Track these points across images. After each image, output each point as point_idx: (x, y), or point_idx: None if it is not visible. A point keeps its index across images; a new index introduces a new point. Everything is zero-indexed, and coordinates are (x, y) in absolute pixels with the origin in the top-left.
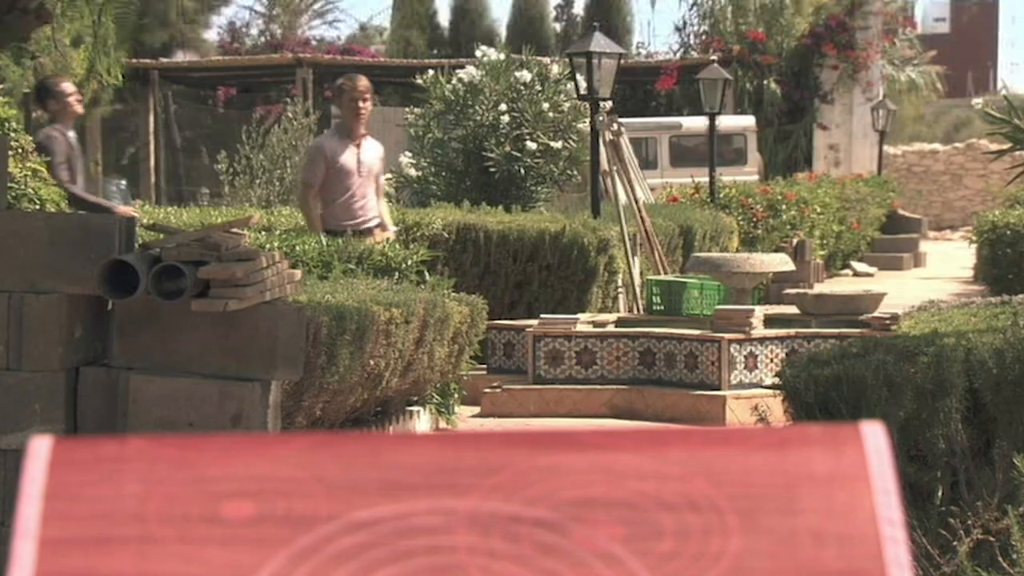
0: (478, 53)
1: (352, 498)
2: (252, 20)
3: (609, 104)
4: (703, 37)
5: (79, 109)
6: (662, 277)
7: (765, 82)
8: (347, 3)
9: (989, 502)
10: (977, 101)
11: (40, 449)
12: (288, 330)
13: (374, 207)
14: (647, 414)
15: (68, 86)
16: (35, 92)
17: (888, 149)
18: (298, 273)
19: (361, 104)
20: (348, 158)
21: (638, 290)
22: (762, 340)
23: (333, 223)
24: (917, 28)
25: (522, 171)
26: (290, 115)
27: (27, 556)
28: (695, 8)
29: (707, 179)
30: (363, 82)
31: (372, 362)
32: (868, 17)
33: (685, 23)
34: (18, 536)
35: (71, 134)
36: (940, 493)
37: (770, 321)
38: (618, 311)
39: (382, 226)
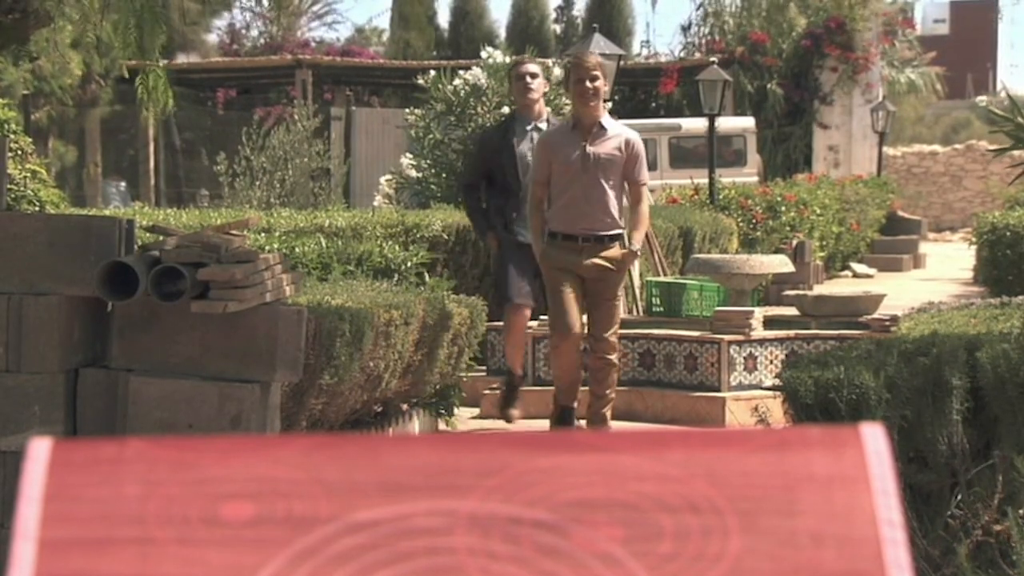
0: (483, 54)
1: (352, 499)
2: (252, 22)
3: (608, 106)
4: (708, 39)
5: None
6: (661, 278)
7: (768, 86)
8: (346, 5)
9: (989, 504)
10: (981, 99)
11: (39, 451)
12: (288, 332)
13: (609, 213)
14: (646, 415)
15: None
16: None
17: (888, 150)
18: (298, 275)
19: (589, 85)
20: (570, 151)
21: (637, 291)
22: (762, 341)
23: (553, 226)
24: (916, 29)
25: None
26: (295, 117)
27: (27, 558)
28: (701, 9)
29: (707, 180)
30: (591, 59)
31: (371, 363)
32: (868, 19)
33: (691, 23)
34: (18, 538)
35: None
36: (940, 495)
37: (769, 323)
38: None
39: (623, 253)
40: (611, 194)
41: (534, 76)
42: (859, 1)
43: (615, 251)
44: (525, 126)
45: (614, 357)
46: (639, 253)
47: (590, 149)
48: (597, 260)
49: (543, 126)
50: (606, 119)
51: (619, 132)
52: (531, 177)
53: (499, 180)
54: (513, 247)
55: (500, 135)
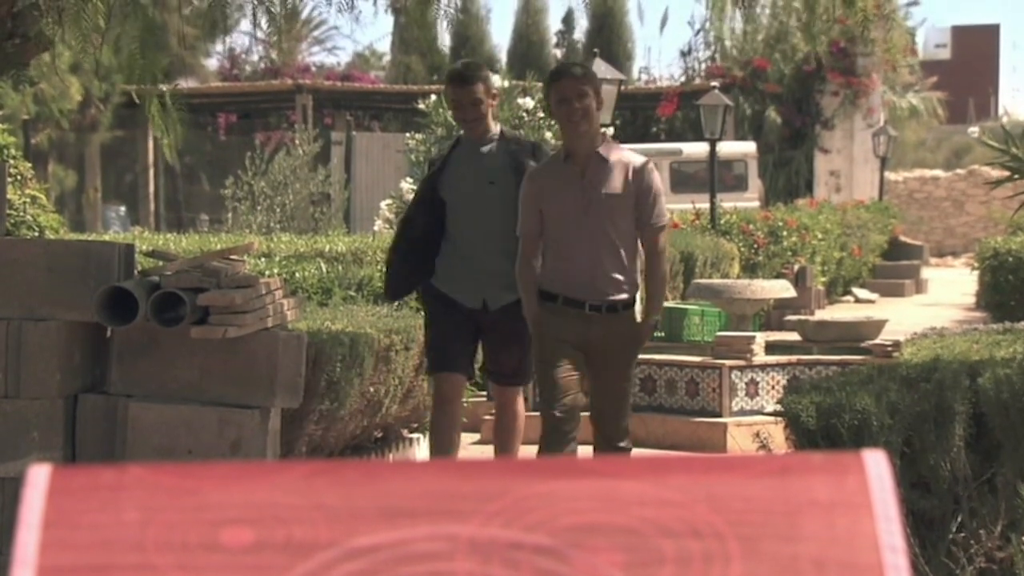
0: None
1: (352, 525)
2: (252, 47)
3: (611, 131)
4: (708, 63)
5: None
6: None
7: (767, 111)
8: (346, 29)
9: (992, 530)
10: (973, 129)
11: (39, 477)
12: (287, 357)
13: (621, 270)
14: (648, 441)
15: None
16: None
17: (889, 175)
18: (298, 300)
19: (576, 105)
20: (563, 188)
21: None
22: (763, 367)
23: (544, 285)
24: (918, 54)
25: None
26: (296, 142)
27: None
28: (701, 34)
29: (708, 205)
30: (575, 71)
31: (372, 389)
32: (869, 44)
33: (691, 48)
34: (16, 565)
35: None
36: (943, 521)
37: (771, 348)
38: None
39: (642, 326)
40: (622, 244)
41: (473, 80)
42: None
43: (631, 321)
44: (469, 150)
45: (627, 443)
46: (659, 324)
47: (588, 186)
48: (608, 333)
49: (487, 149)
50: (605, 146)
51: (624, 160)
52: (519, 229)
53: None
54: (440, 300)
55: (440, 160)
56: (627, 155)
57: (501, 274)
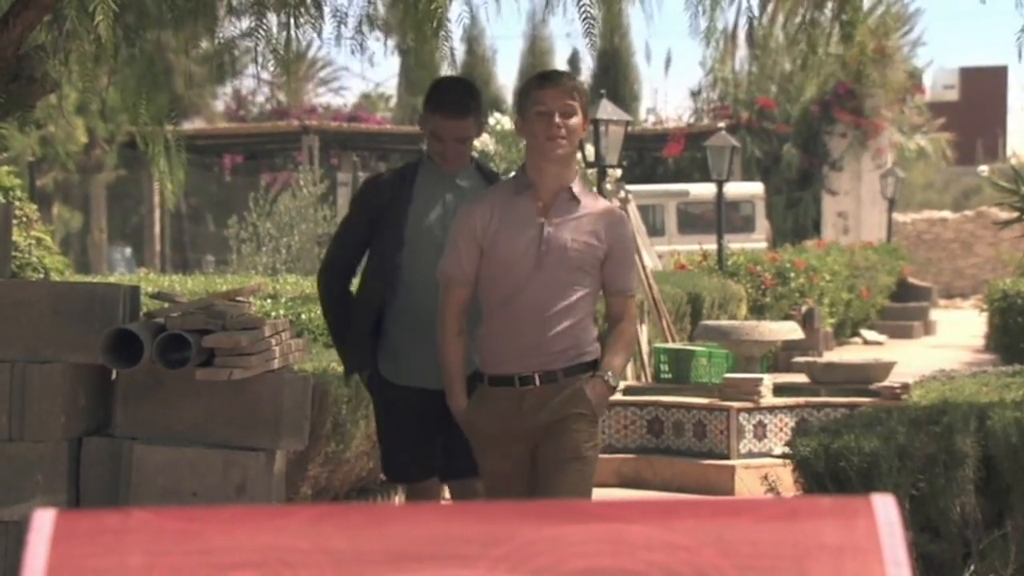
0: (491, 120)
1: (358, 569)
2: (258, 88)
3: (619, 172)
4: (716, 104)
5: None
6: (670, 345)
7: (785, 147)
8: (357, 68)
9: (1003, 574)
10: (983, 168)
11: (43, 522)
12: (293, 399)
13: (577, 336)
14: (655, 483)
15: None
16: None
17: (897, 216)
18: (304, 341)
19: (559, 120)
20: (516, 227)
21: (646, 358)
22: (771, 409)
23: (481, 363)
24: (926, 94)
25: None
26: (301, 183)
27: None
28: (711, 74)
29: (715, 246)
30: (566, 81)
31: None
32: (867, 81)
33: (700, 89)
34: None
35: None
36: (953, 565)
37: (779, 390)
38: (626, 379)
39: (593, 383)
40: (582, 307)
41: (467, 112)
42: (874, 56)
43: (583, 387)
44: (438, 180)
45: None
46: (616, 388)
47: (551, 230)
48: (548, 410)
49: (466, 183)
50: (580, 184)
51: (599, 207)
52: (444, 271)
53: (375, 265)
54: (387, 392)
55: (392, 187)
56: (603, 202)
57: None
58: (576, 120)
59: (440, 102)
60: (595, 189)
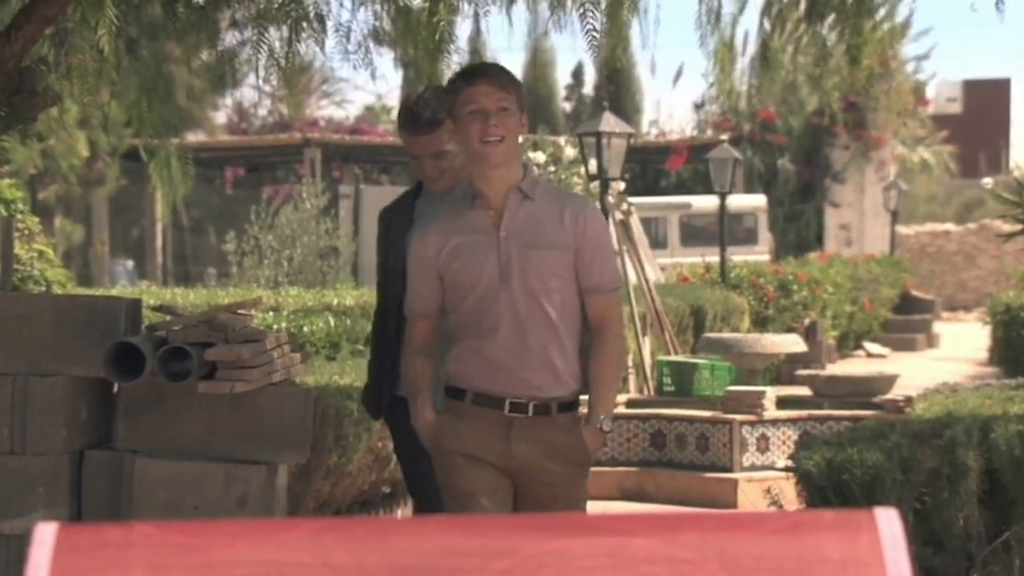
0: None
1: None
2: (260, 100)
3: (622, 185)
4: (718, 116)
5: None
6: (672, 358)
7: (780, 162)
8: (360, 80)
9: None
10: (987, 181)
11: (45, 535)
12: (295, 412)
13: (555, 355)
14: (657, 496)
15: None
16: None
17: (900, 229)
18: (306, 354)
19: (493, 122)
20: (471, 243)
21: (648, 371)
22: (774, 422)
23: (454, 379)
24: (930, 106)
25: None
26: (303, 195)
27: None
28: (714, 86)
29: (718, 259)
30: (493, 72)
31: (380, 444)
32: (872, 99)
33: (704, 101)
34: None
35: None
36: None
37: (782, 403)
38: (628, 392)
39: (591, 434)
40: (559, 318)
41: (436, 124)
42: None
43: (571, 431)
44: (433, 204)
45: None
46: (608, 431)
47: (506, 238)
48: (540, 447)
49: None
50: (529, 181)
51: (558, 200)
52: (407, 305)
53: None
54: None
55: (392, 212)
56: (562, 194)
57: None
58: (511, 116)
59: (404, 119)
60: (598, 201)
